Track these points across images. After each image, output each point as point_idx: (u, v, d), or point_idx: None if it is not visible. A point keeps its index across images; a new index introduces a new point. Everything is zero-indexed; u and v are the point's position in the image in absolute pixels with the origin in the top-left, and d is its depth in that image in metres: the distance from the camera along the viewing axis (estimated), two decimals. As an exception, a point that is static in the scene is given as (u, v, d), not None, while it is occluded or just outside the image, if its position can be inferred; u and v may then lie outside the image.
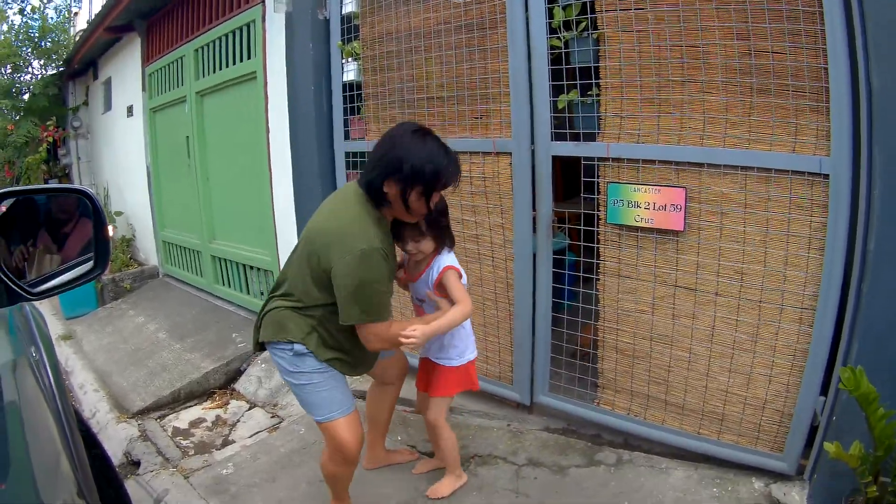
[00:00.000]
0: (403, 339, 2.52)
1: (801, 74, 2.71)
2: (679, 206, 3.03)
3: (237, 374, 5.19)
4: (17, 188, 2.57)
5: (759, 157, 2.83)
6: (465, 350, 3.04)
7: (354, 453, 2.74)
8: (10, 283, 1.82)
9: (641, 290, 3.27)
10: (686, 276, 3.12)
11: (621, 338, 3.38)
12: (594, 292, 3.42)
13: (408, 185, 2.43)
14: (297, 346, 2.61)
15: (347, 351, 2.71)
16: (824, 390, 2.78)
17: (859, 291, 2.62)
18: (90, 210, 2.00)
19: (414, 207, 2.49)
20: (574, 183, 3.38)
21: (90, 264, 2.02)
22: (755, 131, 2.86)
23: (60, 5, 12.36)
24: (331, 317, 2.57)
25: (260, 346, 2.80)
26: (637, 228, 3.20)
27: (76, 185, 2.16)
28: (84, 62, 10.22)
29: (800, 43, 2.69)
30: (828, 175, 2.66)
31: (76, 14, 15.00)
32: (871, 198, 2.56)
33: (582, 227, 3.40)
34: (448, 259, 2.83)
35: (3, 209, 2.01)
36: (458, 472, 3.23)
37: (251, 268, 6.18)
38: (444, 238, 2.83)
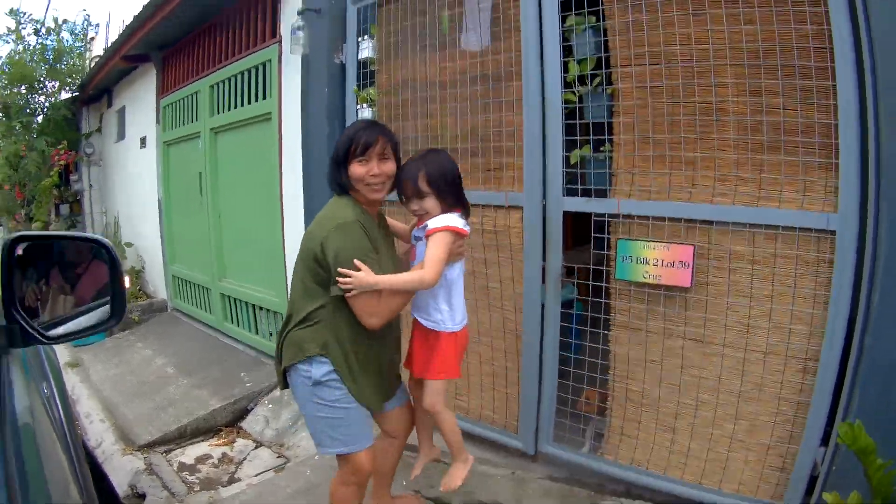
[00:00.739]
0: (341, 281, 2.48)
1: (811, 131, 2.75)
2: (687, 264, 3.04)
3: (244, 412, 5.19)
4: (34, 233, 2.58)
5: (769, 215, 2.86)
6: (461, 314, 2.87)
7: (368, 476, 2.88)
8: (25, 326, 1.84)
9: (650, 341, 3.28)
10: (694, 329, 3.13)
11: (631, 387, 3.38)
12: (600, 346, 3.41)
13: (340, 160, 2.64)
14: (317, 364, 2.62)
15: (367, 354, 2.73)
16: (825, 440, 2.78)
17: (862, 345, 2.64)
18: (106, 259, 2.02)
19: (357, 176, 2.60)
20: (584, 230, 3.39)
21: (106, 312, 2.03)
22: (765, 188, 2.89)
23: (76, 28, 12.35)
24: (337, 313, 2.63)
25: (285, 382, 2.81)
26: (645, 284, 3.21)
27: (93, 235, 2.14)
28: (98, 89, 10.32)
29: (811, 99, 2.73)
30: (834, 231, 2.69)
31: (92, 39, 15.13)
32: (876, 253, 2.59)
33: (591, 283, 3.40)
34: (448, 219, 2.65)
35: (20, 252, 2.03)
36: (464, 457, 3.02)
37: (260, 308, 6.17)
38: (448, 196, 2.70)
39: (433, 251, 2.57)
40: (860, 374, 2.64)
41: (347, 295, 2.50)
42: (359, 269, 2.47)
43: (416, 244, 2.78)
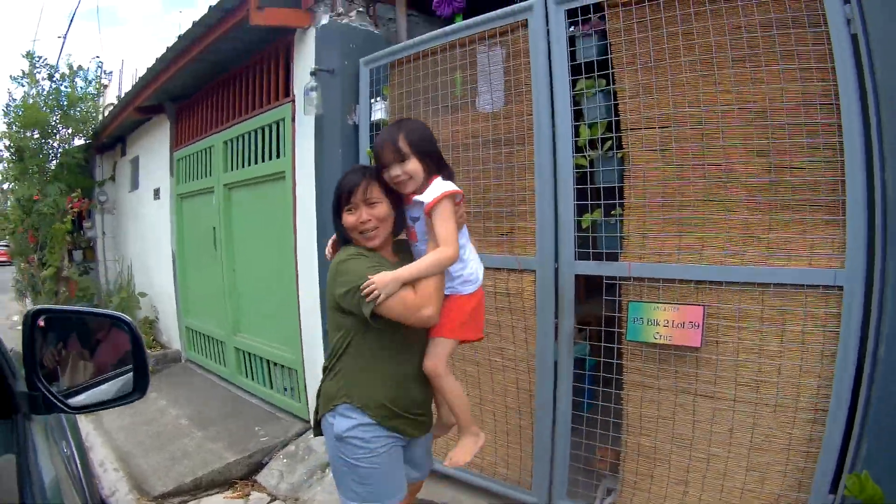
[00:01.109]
0: (364, 291, 2.35)
1: (818, 188, 2.81)
2: (697, 324, 3.08)
3: (259, 466, 5.19)
4: (54, 307, 2.62)
5: (777, 274, 2.91)
6: (478, 273, 2.71)
7: None
8: (48, 395, 1.89)
9: (662, 399, 3.31)
10: (705, 386, 3.16)
11: (643, 442, 3.40)
12: (612, 404, 3.46)
13: (334, 211, 2.63)
14: (340, 418, 2.56)
15: (396, 372, 2.61)
16: (834, 488, 2.81)
17: (869, 396, 2.69)
18: (129, 334, 2.08)
19: (349, 226, 2.56)
20: (598, 283, 3.44)
21: (128, 384, 2.10)
22: (773, 247, 2.94)
23: (89, 75, 12.44)
24: (359, 340, 2.57)
25: (318, 430, 2.77)
26: (656, 345, 3.24)
27: (114, 312, 2.19)
28: (112, 137, 10.39)
29: (818, 157, 2.79)
30: (842, 287, 2.74)
31: (106, 87, 15.31)
32: (882, 307, 2.64)
33: (603, 344, 3.42)
34: (438, 186, 2.50)
35: (41, 324, 2.08)
36: (473, 430, 2.78)
37: (275, 364, 6.18)
38: (429, 158, 2.54)
39: (442, 226, 2.45)
40: (868, 424, 2.69)
41: (379, 305, 2.36)
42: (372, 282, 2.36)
43: (414, 225, 2.66)
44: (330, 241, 2.81)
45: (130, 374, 2.10)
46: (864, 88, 2.65)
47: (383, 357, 2.58)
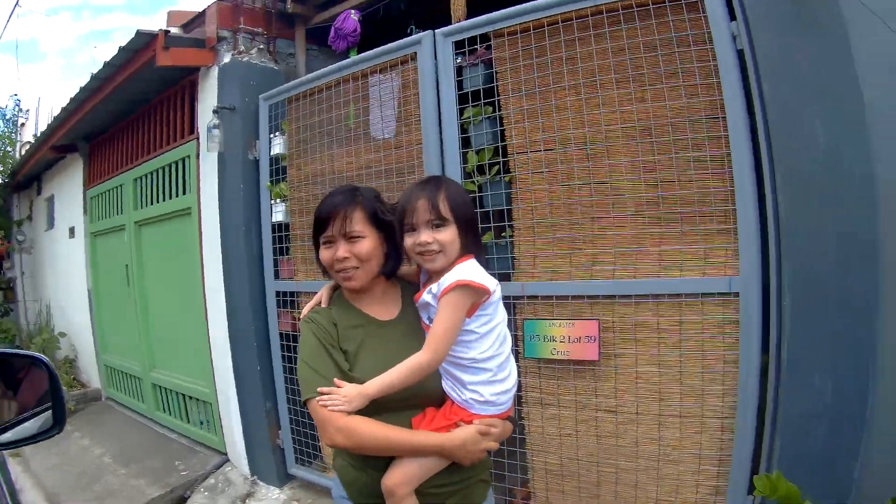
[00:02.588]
0: (325, 400, 1.86)
1: (708, 200, 2.92)
2: (593, 338, 3.17)
3: (182, 500, 5.18)
4: (-31, 349, 2.64)
5: (670, 285, 3.01)
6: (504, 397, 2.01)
7: None
8: None
9: (564, 415, 3.37)
10: (606, 400, 3.23)
11: (549, 459, 3.45)
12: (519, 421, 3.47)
13: (314, 241, 2.11)
14: (336, 483, 2.15)
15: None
16: (752, 490, 2.83)
17: (777, 396, 2.78)
18: (46, 373, 2.10)
19: (325, 262, 2.06)
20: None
21: (48, 420, 2.10)
22: (665, 259, 3.04)
23: (6, 113, 12.20)
24: None
25: None
26: (554, 360, 3.31)
27: (32, 353, 2.20)
28: (28, 176, 10.23)
29: (706, 169, 2.90)
30: (738, 293, 2.84)
31: (23, 125, 15.04)
32: (781, 308, 2.74)
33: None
34: (464, 270, 1.90)
35: None
36: None
37: (190, 398, 6.18)
38: (469, 230, 1.98)
39: (442, 320, 1.88)
40: (779, 423, 2.78)
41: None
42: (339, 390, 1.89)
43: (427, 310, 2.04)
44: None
45: (50, 412, 2.12)
46: (750, 101, 2.79)
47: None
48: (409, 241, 1.95)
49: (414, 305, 2.10)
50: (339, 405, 1.84)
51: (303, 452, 4.74)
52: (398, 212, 2.00)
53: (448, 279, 1.88)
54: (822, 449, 2.68)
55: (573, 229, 3.25)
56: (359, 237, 1.99)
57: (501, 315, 2.01)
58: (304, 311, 2.15)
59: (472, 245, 1.98)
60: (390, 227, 2.04)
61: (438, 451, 1.89)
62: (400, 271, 2.19)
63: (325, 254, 2.04)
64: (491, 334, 1.96)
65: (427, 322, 2.00)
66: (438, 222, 1.91)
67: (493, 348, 1.95)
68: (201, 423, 6.04)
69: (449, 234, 1.91)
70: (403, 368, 1.86)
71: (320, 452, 4.70)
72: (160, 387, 6.73)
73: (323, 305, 2.14)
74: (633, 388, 3.16)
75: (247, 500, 4.87)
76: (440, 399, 2.01)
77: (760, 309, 2.81)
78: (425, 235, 1.91)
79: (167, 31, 4.86)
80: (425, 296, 1.97)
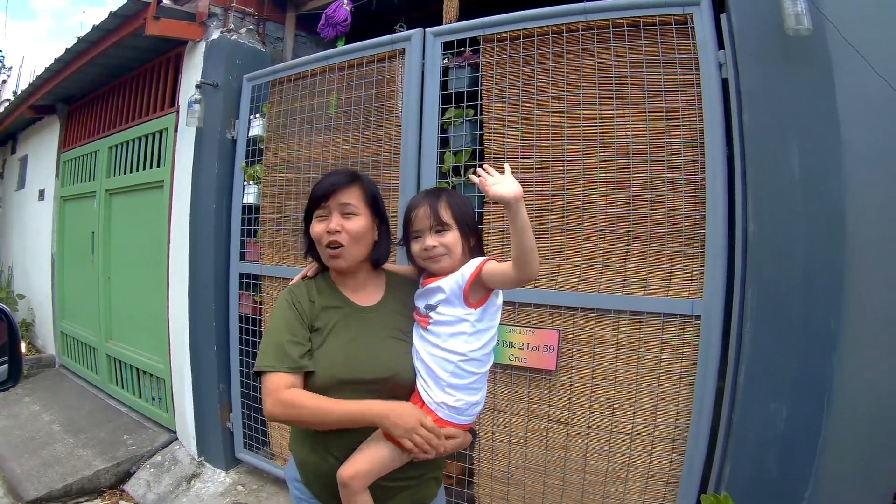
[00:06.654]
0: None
1: (678, 222, 2.94)
2: (552, 347, 3.19)
3: (127, 475, 5.17)
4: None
5: (633, 302, 3.03)
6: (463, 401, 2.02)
7: None
8: None
9: (515, 423, 3.37)
10: (559, 411, 3.24)
11: (496, 466, 3.46)
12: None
13: (306, 216, 2.10)
14: (290, 464, 2.17)
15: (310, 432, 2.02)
16: None
17: (730, 420, 2.80)
18: (5, 324, 2.06)
19: (315, 235, 2.03)
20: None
21: (3, 373, 2.06)
22: (630, 276, 3.06)
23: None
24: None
25: None
26: (511, 367, 3.32)
27: None
28: (5, 134, 10.09)
29: (679, 192, 2.93)
30: (699, 316, 2.86)
31: (4, 82, 14.85)
32: (741, 335, 2.77)
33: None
34: (468, 269, 1.98)
35: None
36: None
37: (144, 372, 6.13)
38: (472, 234, 2.08)
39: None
40: (730, 447, 2.80)
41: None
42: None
43: (428, 313, 2.06)
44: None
45: (6, 366, 2.08)
46: (730, 129, 2.82)
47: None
48: (416, 247, 2.06)
49: (396, 295, 2.16)
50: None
51: (252, 438, 4.72)
52: (404, 222, 2.12)
53: (473, 263, 1.98)
54: (773, 475, 2.70)
55: (542, 239, 3.24)
56: (353, 213, 2.02)
57: (497, 322, 2.07)
58: (292, 282, 2.17)
59: (475, 248, 2.09)
60: (385, 217, 2.14)
61: (377, 420, 1.83)
62: (392, 267, 2.26)
63: (317, 226, 2.04)
64: (486, 334, 2.02)
65: (423, 310, 2.05)
66: (441, 227, 2.02)
67: (483, 350, 2.01)
68: (153, 398, 5.98)
69: (452, 237, 2.02)
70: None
71: (269, 440, 4.68)
72: (115, 359, 6.66)
73: (308, 275, 2.17)
74: (587, 402, 3.17)
75: (192, 481, 4.84)
76: (408, 392, 2.02)
77: (720, 333, 2.84)
78: (430, 240, 2.02)
79: (160, 1, 4.81)
80: (442, 282, 2.01)
